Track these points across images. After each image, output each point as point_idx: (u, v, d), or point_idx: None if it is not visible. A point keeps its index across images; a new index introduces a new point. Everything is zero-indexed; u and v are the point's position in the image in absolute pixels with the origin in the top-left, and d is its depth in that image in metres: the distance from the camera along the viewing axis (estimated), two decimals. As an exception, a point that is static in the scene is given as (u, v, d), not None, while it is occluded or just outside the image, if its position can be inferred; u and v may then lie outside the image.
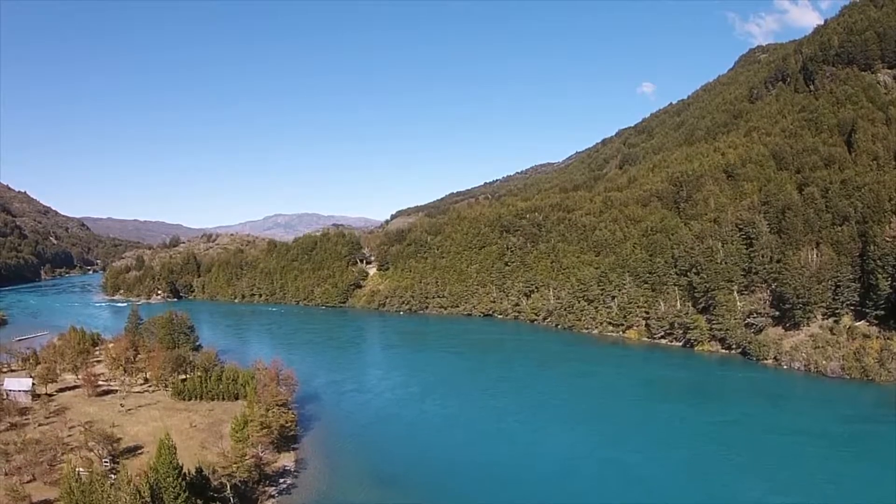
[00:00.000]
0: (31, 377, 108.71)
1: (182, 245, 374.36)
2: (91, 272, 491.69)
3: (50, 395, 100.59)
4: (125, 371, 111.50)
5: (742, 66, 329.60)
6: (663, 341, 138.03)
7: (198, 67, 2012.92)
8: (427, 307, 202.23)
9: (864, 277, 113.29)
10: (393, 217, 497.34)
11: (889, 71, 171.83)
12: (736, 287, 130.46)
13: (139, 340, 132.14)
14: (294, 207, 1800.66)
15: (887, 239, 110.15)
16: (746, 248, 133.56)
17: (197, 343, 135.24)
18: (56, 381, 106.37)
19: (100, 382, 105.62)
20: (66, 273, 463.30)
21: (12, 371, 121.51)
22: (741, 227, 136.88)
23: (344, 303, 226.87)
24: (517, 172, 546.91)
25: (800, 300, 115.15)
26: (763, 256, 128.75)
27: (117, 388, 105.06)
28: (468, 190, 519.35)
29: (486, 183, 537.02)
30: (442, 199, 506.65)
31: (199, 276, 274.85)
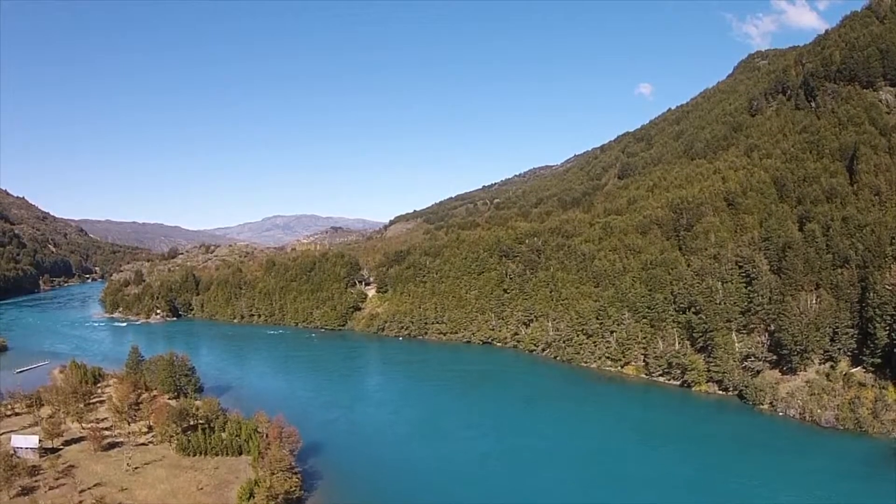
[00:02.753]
0: (36, 425, 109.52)
1: (180, 256, 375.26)
2: (90, 280, 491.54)
3: (56, 451, 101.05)
4: (129, 422, 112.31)
5: (741, 72, 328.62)
6: (661, 379, 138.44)
7: (196, 68, 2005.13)
8: (426, 333, 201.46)
9: (863, 324, 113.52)
10: (392, 222, 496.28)
11: (891, 89, 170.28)
12: (734, 327, 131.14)
13: (141, 380, 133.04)
14: (293, 209, 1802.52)
15: (887, 286, 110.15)
16: (746, 287, 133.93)
17: (199, 384, 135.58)
18: (62, 434, 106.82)
19: (105, 433, 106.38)
20: (65, 283, 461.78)
21: (16, 414, 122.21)
22: (741, 264, 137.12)
23: (343, 325, 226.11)
24: (516, 175, 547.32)
25: (797, 346, 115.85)
26: (762, 297, 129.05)
27: (122, 440, 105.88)
28: (467, 193, 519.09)
29: (484, 186, 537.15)
30: (441, 202, 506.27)
31: (199, 293, 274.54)
